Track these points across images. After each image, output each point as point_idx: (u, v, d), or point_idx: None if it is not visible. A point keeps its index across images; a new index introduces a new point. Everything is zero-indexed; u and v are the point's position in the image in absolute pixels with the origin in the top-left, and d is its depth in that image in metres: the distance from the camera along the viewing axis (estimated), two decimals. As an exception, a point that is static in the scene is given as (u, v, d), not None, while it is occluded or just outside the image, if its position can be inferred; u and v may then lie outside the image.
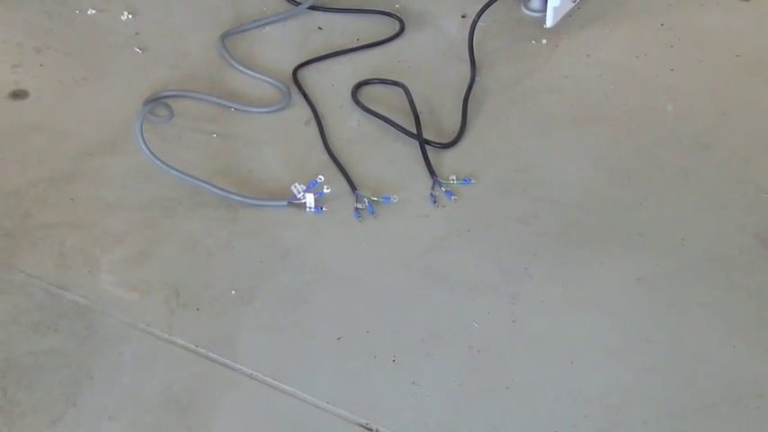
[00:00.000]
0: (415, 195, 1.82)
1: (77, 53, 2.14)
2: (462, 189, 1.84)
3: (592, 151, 1.91)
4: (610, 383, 1.54)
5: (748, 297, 1.65)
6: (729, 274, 1.68)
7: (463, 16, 2.23)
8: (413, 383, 1.54)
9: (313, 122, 1.98)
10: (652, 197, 1.82)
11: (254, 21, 2.22)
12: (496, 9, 2.21)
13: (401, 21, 2.21)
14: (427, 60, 2.13)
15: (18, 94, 2.04)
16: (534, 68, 2.10)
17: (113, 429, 1.49)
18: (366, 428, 1.49)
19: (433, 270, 1.70)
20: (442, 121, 1.98)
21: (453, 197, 1.81)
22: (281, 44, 2.18)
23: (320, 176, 1.84)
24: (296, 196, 1.81)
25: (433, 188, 1.83)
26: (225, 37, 2.16)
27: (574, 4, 2.22)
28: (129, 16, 2.23)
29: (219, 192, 1.81)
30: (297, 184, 1.83)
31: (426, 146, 1.91)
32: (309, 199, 1.79)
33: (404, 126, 1.94)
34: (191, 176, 1.83)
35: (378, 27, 2.21)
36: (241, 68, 2.09)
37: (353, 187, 1.83)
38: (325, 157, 1.90)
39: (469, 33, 2.12)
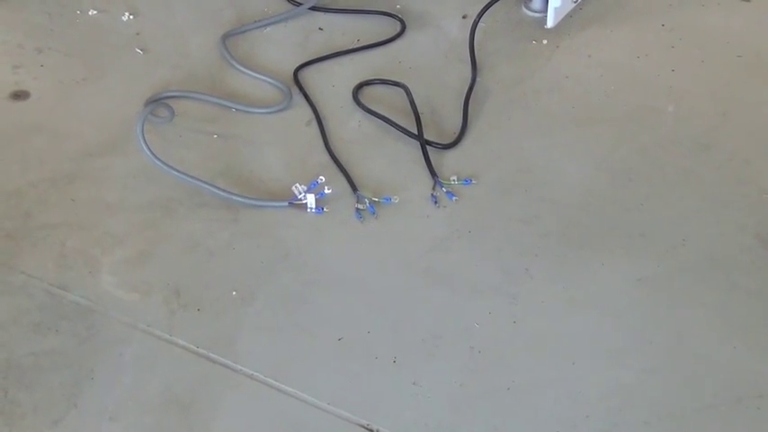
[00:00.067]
0: (416, 196, 1.82)
1: (78, 54, 2.14)
2: (463, 189, 1.84)
3: (593, 152, 1.91)
4: (610, 384, 1.54)
5: (749, 297, 1.65)
6: (730, 275, 1.68)
7: (464, 17, 2.23)
8: (414, 384, 1.54)
9: (314, 123, 1.98)
10: (653, 198, 1.82)
11: (255, 21, 2.22)
12: (497, 9, 2.21)
13: (402, 21, 2.21)
14: (428, 61, 2.13)
15: (19, 95, 2.04)
16: (535, 69, 2.10)
17: (114, 430, 1.49)
18: (367, 429, 1.49)
19: (434, 271, 1.70)
20: (443, 121, 1.98)
21: (454, 198, 1.81)
22: (282, 45, 2.18)
23: (321, 177, 1.84)
24: (297, 197, 1.81)
25: (433, 189, 1.83)
26: (226, 37, 2.16)
27: (575, 5, 2.22)
28: (130, 17, 2.23)
29: (220, 192, 1.81)
30: (298, 185, 1.83)
31: (427, 146, 1.91)
32: (310, 199, 1.79)
33: (405, 126, 1.94)
34: (191, 177, 1.83)
35: (378, 27, 2.21)
36: (242, 69, 2.09)
37: (354, 188, 1.83)
38: (326, 157, 1.90)
39: (470, 34, 2.12)
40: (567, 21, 2.21)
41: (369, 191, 1.83)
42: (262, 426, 1.50)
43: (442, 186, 1.83)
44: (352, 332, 1.61)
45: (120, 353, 1.58)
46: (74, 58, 2.13)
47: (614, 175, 1.86)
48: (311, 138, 1.95)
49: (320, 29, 2.22)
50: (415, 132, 1.93)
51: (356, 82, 2.06)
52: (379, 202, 1.81)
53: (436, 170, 1.86)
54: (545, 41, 2.16)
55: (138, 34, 2.19)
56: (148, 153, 1.84)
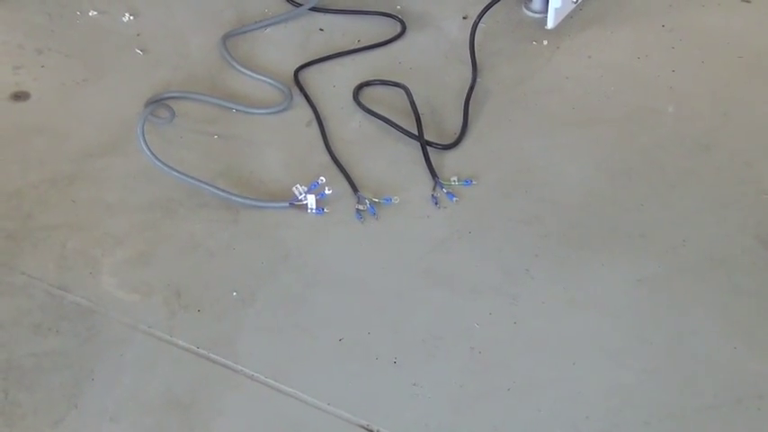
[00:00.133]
0: (417, 196, 1.83)
1: (79, 54, 2.14)
2: (463, 190, 1.84)
3: (593, 152, 1.91)
4: (611, 384, 1.54)
5: (749, 298, 1.65)
6: (730, 275, 1.68)
7: (464, 17, 2.23)
8: (414, 385, 1.54)
9: (314, 124, 1.98)
10: (653, 198, 1.82)
11: (256, 22, 2.22)
12: (497, 10, 2.21)
13: (402, 22, 2.21)
14: (428, 61, 2.13)
15: (19, 96, 2.04)
16: (535, 69, 2.10)
17: (114, 430, 1.49)
18: (367, 430, 1.49)
19: (434, 271, 1.70)
20: (444, 122, 1.98)
21: (455, 198, 1.81)
22: (283, 45, 2.18)
23: (321, 178, 1.84)
24: (297, 197, 1.81)
25: (434, 189, 1.83)
26: (226, 38, 2.16)
27: (575, 6, 2.22)
28: (131, 18, 2.23)
29: (221, 193, 1.81)
30: (298, 186, 1.83)
31: (428, 147, 1.91)
32: (311, 200, 1.79)
33: (405, 127, 1.94)
34: (192, 178, 1.83)
35: (379, 28, 2.21)
36: (242, 70, 2.09)
37: (355, 188, 1.83)
38: (327, 158, 1.90)
39: (471, 34, 2.12)
40: (568, 21, 2.21)
41: (369, 191, 1.83)
42: (262, 426, 1.50)
43: (443, 187, 1.83)
44: (353, 333, 1.61)
45: (121, 353, 1.58)
46: (74, 59, 2.13)
47: (614, 176, 1.86)
48: (312, 138, 1.95)
49: (321, 29, 2.22)
50: (416, 133, 1.93)
51: (356, 82, 2.06)
52: (379, 202, 1.81)
53: (436, 171, 1.86)
54: (545, 42, 2.16)
55: (138, 35, 2.19)
56: (149, 154, 1.84)
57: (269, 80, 2.07)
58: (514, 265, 1.70)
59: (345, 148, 1.92)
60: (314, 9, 2.25)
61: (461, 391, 1.53)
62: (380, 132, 1.96)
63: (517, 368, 1.56)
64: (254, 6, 2.27)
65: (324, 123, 1.97)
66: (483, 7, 2.16)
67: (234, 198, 1.81)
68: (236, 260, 1.72)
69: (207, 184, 1.82)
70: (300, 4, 2.25)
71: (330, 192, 1.82)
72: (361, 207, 1.80)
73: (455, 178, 1.85)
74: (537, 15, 2.22)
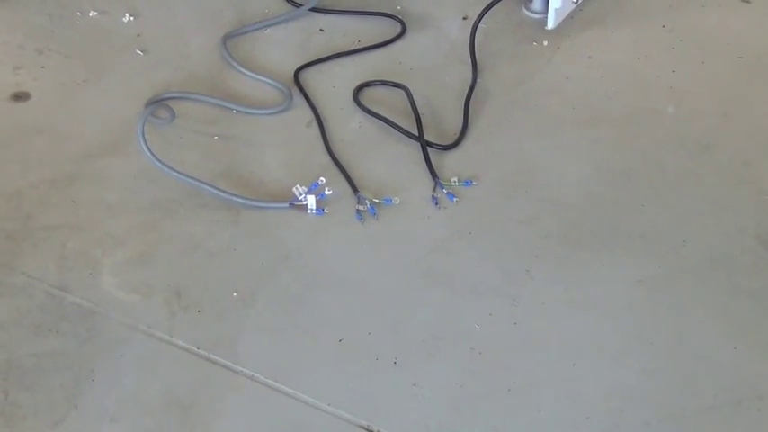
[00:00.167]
0: (417, 197, 1.83)
1: (79, 55, 2.14)
2: (464, 191, 1.84)
3: (593, 153, 1.91)
4: (611, 385, 1.54)
5: (749, 298, 1.65)
6: (731, 276, 1.68)
7: (464, 18, 2.23)
8: (414, 385, 1.54)
9: (314, 124, 1.98)
10: (653, 198, 1.82)
11: (256, 22, 2.22)
12: (498, 11, 2.20)
13: (402, 22, 2.21)
14: (429, 62, 2.13)
15: (19, 96, 2.04)
16: (536, 70, 2.10)
17: (115, 431, 1.49)
18: (367, 430, 1.49)
19: (434, 272, 1.70)
20: (444, 122, 1.98)
21: (455, 199, 1.81)
22: (283, 46, 2.18)
23: (322, 178, 1.84)
24: (297, 198, 1.81)
25: (434, 190, 1.83)
26: (226, 39, 2.16)
27: (575, 6, 2.22)
28: (131, 18, 2.23)
29: (221, 194, 1.81)
30: (298, 186, 1.83)
31: (428, 147, 1.91)
32: (311, 201, 1.79)
33: (405, 128, 1.94)
34: (192, 178, 1.83)
35: (379, 29, 2.21)
36: (242, 70, 2.09)
37: (355, 189, 1.83)
38: (327, 158, 1.90)
39: (471, 35, 2.12)
40: (568, 22, 2.21)
41: (369, 192, 1.83)
42: (262, 427, 1.50)
43: (443, 187, 1.83)
44: (353, 333, 1.61)
45: (121, 354, 1.58)
46: (74, 60, 2.13)
47: (615, 176, 1.86)
48: (312, 139, 1.95)
49: (321, 30, 2.22)
50: (416, 133, 1.93)
51: (357, 83, 2.06)
52: (379, 203, 1.81)
53: (437, 171, 1.86)
54: (545, 43, 2.16)
55: (138, 35, 2.19)
56: (149, 154, 1.84)
57: (269, 81, 2.07)
58: (515, 265, 1.70)
59: (345, 149, 1.92)
60: (314, 9, 2.25)
61: (462, 391, 1.53)
62: (381, 133, 1.96)
63: (517, 369, 1.56)
64: (254, 7, 2.27)
65: (324, 124, 1.97)
66: (483, 8, 2.16)
67: (234, 198, 1.81)
68: (236, 261, 1.72)
69: (207, 184, 1.82)
70: (301, 5, 2.25)
71: (330, 192, 1.82)
72: (361, 207, 1.80)
73: (455, 179, 1.85)
74: (537, 16, 2.22)
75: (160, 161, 1.84)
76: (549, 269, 1.70)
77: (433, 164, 1.87)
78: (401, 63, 2.12)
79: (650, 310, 1.64)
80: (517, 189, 1.84)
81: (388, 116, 1.97)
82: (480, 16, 2.15)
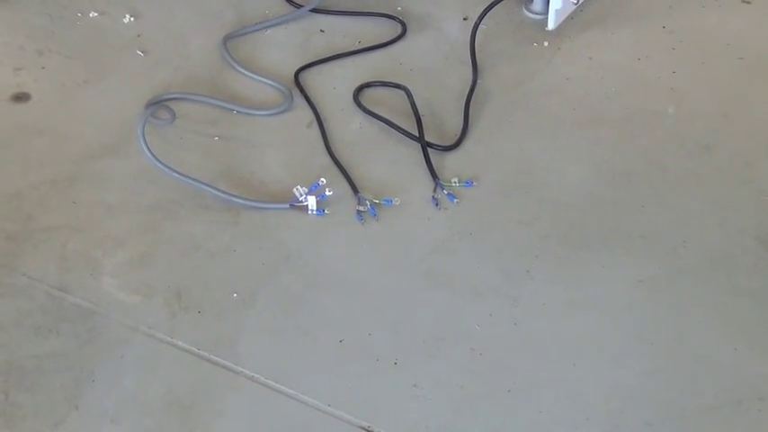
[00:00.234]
0: (417, 198, 1.83)
1: (79, 56, 2.14)
2: (464, 191, 1.84)
3: (593, 153, 1.91)
4: (611, 386, 1.54)
5: (750, 299, 1.65)
6: (731, 277, 1.68)
7: (465, 19, 2.23)
8: (414, 386, 1.54)
9: (315, 125, 1.98)
10: (653, 199, 1.82)
11: (256, 23, 2.22)
12: (498, 11, 2.20)
13: (403, 23, 2.21)
14: (429, 63, 2.13)
15: (20, 97, 2.04)
16: (536, 71, 2.10)
17: (115, 432, 1.49)
18: (367, 431, 1.49)
19: (434, 272, 1.70)
20: (444, 123, 1.98)
21: (455, 199, 1.81)
22: (283, 47, 2.18)
23: (322, 179, 1.84)
24: (298, 199, 1.81)
25: (434, 191, 1.83)
26: (227, 39, 2.16)
27: (575, 7, 2.22)
28: (131, 19, 2.23)
29: (221, 194, 1.81)
30: (299, 187, 1.83)
31: (428, 148, 1.91)
32: (311, 201, 1.79)
33: (406, 128, 1.94)
34: (192, 179, 1.83)
35: (379, 29, 2.21)
36: (243, 71, 2.09)
37: (355, 190, 1.83)
38: (327, 159, 1.90)
39: (471, 36, 2.12)
40: (568, 23, 2.21)
41: (370, 193, 1.83)
42: (262, 427, 1.50)
43: (443, 188, 1.83)
44: (353, 334, 1.61)
45: (122, 355, 1.58)
46: (75, 60, 2.13)
47: (615, 177, 1.86)
48: (312, 140, 1.95)
49: (321, 31, 2.22)
50: (416, 134, 1.93)
51: (357, 84, 2.06)
52: (379, 203, 1.81)
53: (437, 172, 1.86)
54: (546, 43, 2.16)
55: (138, 36, 2.20)
56: (149, 155, 1.84)
57: (269, 81, 2.07)
58: (515, 266, 1.70)
59: (346, 150, 1.92)
60: (314, 10, 2.25)
61: (462, 392, 1.53)
62: (381, 134, 1.96)
63: (517, 369, 1.56)
64: (254, 8, 2.27)
65: (324, 124, 1.97)
66: (483, 8, 2.16)
67: (234, 199, 1.81)
68: (236, 261, 1.72)
69: (207, 185, 1.82)
70: (301, 6, 2.25)
71: (331, 193, 1.82)
72: (361, 208, 1.80)
73: (456, 179, 1.85)
74: (537, 17, 2.22)
75: (160, 162, 1.84)
76: (549, 270, 1.70)
77: (434, 164, 1.87)
78: (401, 64, 2.12)
79: (650, 311, 1.64)
80: (517, 189, 1.84)
81: (388, 117, 1.97)
82: (481, 17, 2.15)
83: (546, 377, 1.55)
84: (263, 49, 2.17)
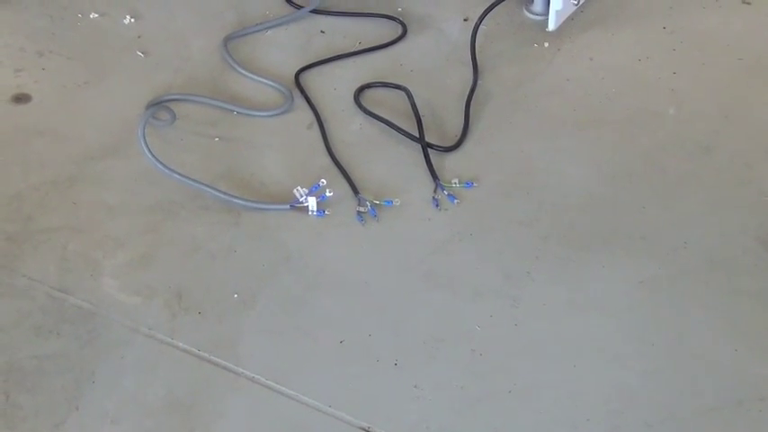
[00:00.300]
0: (418, 199, 1.83)
1: (80, 57, 2.14)
2: (464, 192, 1.84)
3: (594, 154, 1.91)
4: (612, 386, 1.54)
5: (751, 300, 1.65)
6: (732, 277, 1.68)
7: (465, 19, 2.23)
8: (415, 387, 1.54)
9: (315, 126, 1.98)
10: (654, 200, 1.82)
11: (257, 24, 2.22)
12: (499, 12, 2.20)
13: (403, 24, 2.21)
14: (429, 64, 2.13)
15: (20, 98, 2.04)
16: (537, 71, 2.10)
17: (115, 433, 1.49)
18: (368, 432, 1.50)
19: (435, 273, 1.70)
20: (445, 124, 1.98)
21: (456, 200, 1.81)
22: (284, 48, 2.18)
23: (322, 180, 1.84)
24: (298, 200, 1.81)
25: (435, 191, 1.83)
26: (227, 40, 2.16)
27: (576, 8, 2.22)
28: (132, 20, 2.23)
29: (222, 195, 1.81)
30: (299, 188, 1.83)
31: (429, 149, 1.91)
32: (312, 202, 1.79)
33: (406, 129, 1.94)
34: (193, 180, 1.83)
35: (380, 30, 2.21)
36: (243, 72, 2.09)
37: (356, 191, 1.83)
38: (328, 160, 1.90)
39: (472, 36, 2.12)
40: (569, 23, 2.21)
41: (370, 194, 1.83)
42: (263, 428, 1.50)
43: (444, 189, 1.83)
44: (354, 335, 1.61)
45: (122, 356, 1.58)
46: (75, 62, 2.13)
47: (615, 178, 1.86)
48: (312, 141, 1.95)
49: (322, 32, 2.22)
50: (417, 135, 1.93)
51: (357, 85, 2.06)
52: (380, 204, 1.81)
53: (437, 173, 1.86)
54: (546, 44, 2.16)
55: (139, 37, 2.20)
56: (150, 156, 1.84)
57: (270, 82, 2.07)
58: (515, 267, 1.70)
59: (346, 151, 1.92)
60: (315, 11, 2.25)
61: (462, 393, 1.53)
62: (381, 134, 1.96)
63: (518, 370, 1.56)
64: (255, 8, 2.27)
65: (325, 125, 1.97)
66: (484, 9, 2.16)
67: (235, 200, 1.81)
68: (237, 262, 1.72)
69: (208, 186, 1.82)
70: (301, 7, 2.25)
71: (331, 194, 1.82)
72: (362, 209, 1.80)
73: (456, 180, 1.85)
74: (538, 17, 2.22)
75: (161, 163, 1.84)
76: (549, 270, 1.70)
77: (434, 165, 1.87)
78: (402, 65, 2.13)
79: (651, 312, 1.64)
80: (518, 190, 1.84)
81: (388, 118, 1.97)
82: (481, 18, 2.15)
83: (546, 378, 1.55)
84: (263, 50, 2.17)
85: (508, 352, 1.59)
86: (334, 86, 2.07)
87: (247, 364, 1.57)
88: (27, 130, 1.97)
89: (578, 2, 2.20)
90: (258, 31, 2.21)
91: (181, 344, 1.60)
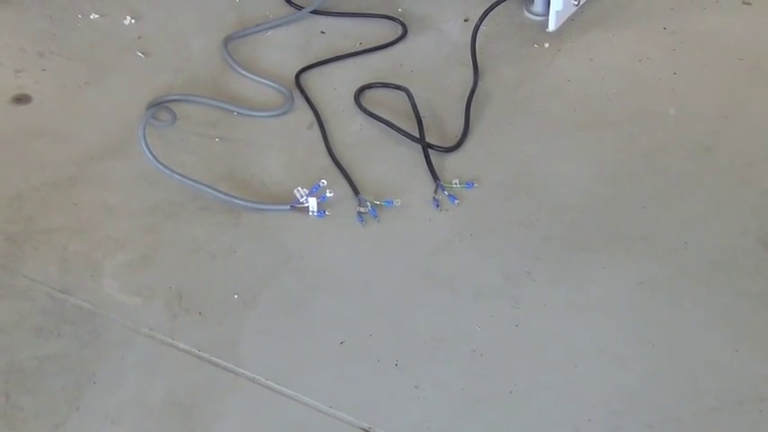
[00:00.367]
0: (418, 199, 1.83)
1: (80, 58, 2.14)
2: (465, 193, 1.84)
3: (594, 155, 1.91)
4: (612, 387, 1.54)
5: (751, 300, 1.65)
6: (732, 278, 1.68)
7: (466, 20, 2.23)
8: (415, 387, 1.54)
9: (316, 126, 1.98)
10: (655, 201, 1.82)
11: (257, 25, 2.22)
12: (499, 13, 2.20)
13: (404, 25, 2.21)
14: (430, 64, 2.13)
15: (21, 99, 2.04)
16: (537, 72, 2.10)
17: (116, 434, 1.49)
18: (369, 433, 1.50)
19: (435, 274, 1.70)
20: (445, 124, 1.98)
21: (456, 201, 1.81)
22: (284, 48, 2.18)
23: (323, 180, 1.84)
24: (299, 200, 1.81)
25: (435, 192, 1.83)
26: (228, 41, 2.16)
27: (576, 8, 2.22)
28: (132, 21, 2.23)
29: (222, 196, 1.81)
30: (299, 188, 1.83)
31: (429, 149, 1.91)
32: (312, 203, 1.79)
33: (406, 130, 1.94)
34: (193, 181, 1.83)
35: (380, 31, 2.21)
36: (244, 72, 2.09)
37: (356, 191, 1.83)
38: (328, 161, 1.90)
39: (472, 37, 2.12)
40: (569, 24, 2.21)
41: (370, 194, 1.83)
42: (263, 429, 1.50)
43: (444, 189, 1.83)
44: (354, 335, 1.61)
45: (122, 356, 1.58)
46: (75, 62, 2.13)
47: (616, 178, 1.86)
48: (313, 141, 1.95)
49: (322, 32, 2.22)
50: (417, 136, 1.93)
51: (358, 85, 2.06)
52: (380, 205, 1.81)
53: (438, 173, 1.86)
54: (547, 45, 2.16)
55: (139, 38, 2.20)
56: (150, 157, 1.84)
57: (270, 83, 2.07)
58: (516, 267, 1.70)
59: (347, 151, 1.92)
60: (315, 12, 2.25)
61: (463, 393, 1.53)
62: (382, 135, 1.96)
63: (519, 371, 1.56)
64: (255, 9, 2.27)
65: (325, 126, 1.97)
66: (484, 10, 2.16)
67: (235, 201, 1.81)
68: (237, 263, 1.72)
69: (208, 186, 1.82)
70: (302, 7, 2.25)
71: (331, 194, 1.82)
72: (362, 210, 1.80)
73: (456, 181, 1.85)
74: (538, 18, 2.22)
75: (161, 163, 1.84)
76: (550, 271, 1.70)
77: (435, 166, 1.87)
78: (402, 65, 2.13)
79: (651, 312, 1.64)
80: (518, 191, 1.84)
81: (389, 118, 1.97)
82: (481, 18, 2.15)
83: (547, 378, 1.55)
84: (263, 51, 2.17)
85: (509, 352, 1.59)
86: (334, 87, 2.07)
87: (248, 364, 1.57)
88: (27, 131, 1.97)
89: (579, 2, 2.20)
90: (258, 31, 2.21)
91: (181, 344, 1.60)
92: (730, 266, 1.70)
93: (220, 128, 1.97)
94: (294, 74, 2.09)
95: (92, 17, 2.24)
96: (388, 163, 1.90)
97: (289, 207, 1.80)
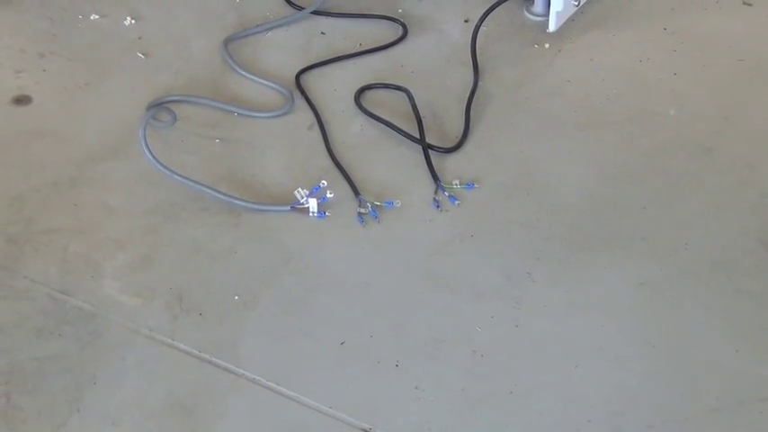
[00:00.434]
0: (418, 200, 1.83)
1: (80, 58, 2.14)
2: (465, 193, 1.84)
3: (595, 155, 1.91)
4: (613, 387, 1.54)
5: (752, 301, 1.65)
6: (733, 278, 1.68)
7: (466, 21, 2.23)
8: (416, 388, 1.54)
9: (316, 127, 1.98)
10: (655, 201, 1.82)
11: (257, 25, 2.22)
12: (499, 13, 2.20)
13: (404, 25, 2.21)
14: (430, 65, 2.13)
15: (21, 100, 2.04)
16: (537, 72, 2.10)
17: (116, 434, 1.49)
18: (369, 433, 1.50)
19: (436, 274, 1.70)
20: (445, 125, 1.98)
21: (456, 201, 1.81)
22: (284, 49, 2.18)
23: (323, 181, 1.84)
24: (299, 201, 1.81)
25: (436, 193, 1.83)
26: (228, 42, 2.16)
27: (576, 9, 2.22)
28: (132, 21, 2.23)
29: (222, 197, 1.81)
30: (300, 189, 1.83)
31: (429, 150, 1.91)
32: (312, 204, 1.79)
33: (407, 131, 1.94)
34: (194, 181, 1.83)
35: (380, 32, 2.21)
36: (244, 73, 2.09)
37: (356, 192, 1.83)
38: (328, 161, 1.90)
39: (472, 38, 2.12)
40: (569, 24, 2.21)
41: (371, 195, 1.83)
42: (264, 429, 1.50)
43: (444, 190, 1.83)
44: (355, 336, 1.61)
45: (123, 357, 1.58)
46: (76, 63, 2.13)
47: (616, 179, 1.86)
48: (313, 142, 1.95)
49: (322, 33, 2.22)
50: (417, 136, 1.93)
51: (358, 86, 2.06)
52: (381, 206, 1.81)
53: (438, 174, 1.86)
54: (547, 45, 2.16)
55: (139, 38, 2.20)
56: (150, 157, 1.84)
57: (270, 84, 2.07)
58: (516, 268, 1.70)
59: (347, 152, 1.92)
60: (315, 12, 2.25)
61: (463, 394, 1.53)
62: (382, 136, 1.96)
63: (519, 371, 1.56)
64: (255, 10, 2.27)
65: (325, 127, 1.97)
66: (485, 10, 2.16)
67: (236, 202, 1.81)
68: (237, 264, 1.72)
69: (209, 187, 1.82)
70: (302, 8, 2.25)
71: (332, 195, 1.82)
72: (362, 210, 1.80)
73: (457, 181, 1.85)
74: (538, 18, 2.22)
75: (162, 164, 1.84)
76: (550, 272, 1.70)
77: (435, 166, 1.87)
78: (402, 66, 2.13)
79: (652, 313, 1.64)
80: (518, 191, 1.84)
81: (389, 119, 1.97)
82: (482, 19, 2.15)
83: (547, 379, 1.55)
84: (264, 52, 2.17)
85: (509, 353, 1.59)
86: (334, 88, 2.07)
87: (248, 365, 1.57)
88: (28, 132, 1.97)
89: (579, 3, 2.20)
90: (259, 32, 2.21)
91: (182, 345, 1.60)
92: (730, 267, 1.70)
93: (221, 129, 1.97)
94: (294, 74, 2.09)
95: (92, 18, 2.25)
96: (389, 164, 1.90)
97: (289, 208, 1.80)
